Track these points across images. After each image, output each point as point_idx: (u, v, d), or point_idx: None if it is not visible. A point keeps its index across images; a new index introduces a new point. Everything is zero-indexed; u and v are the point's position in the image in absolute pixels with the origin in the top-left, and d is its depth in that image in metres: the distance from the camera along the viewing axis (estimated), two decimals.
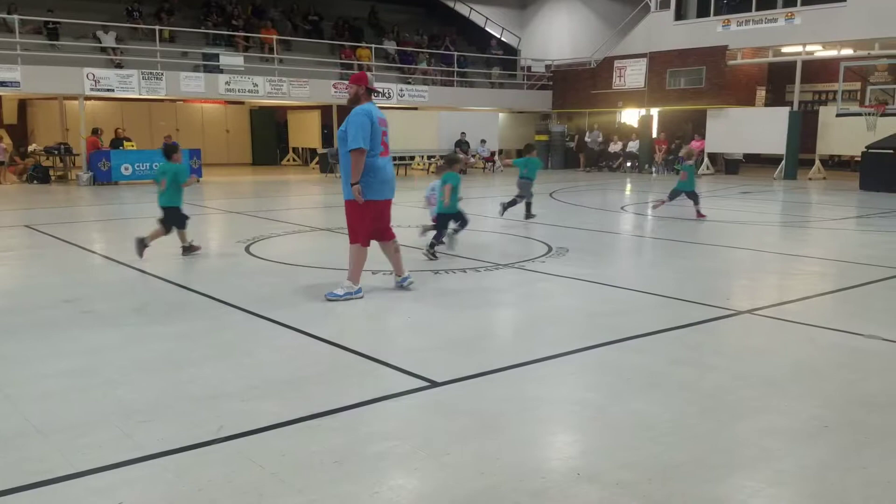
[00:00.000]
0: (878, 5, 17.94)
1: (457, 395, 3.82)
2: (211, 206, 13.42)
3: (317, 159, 22.98)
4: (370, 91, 5.91)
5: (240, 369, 4.22)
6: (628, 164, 23.93)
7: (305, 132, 25.58)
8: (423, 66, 24.63)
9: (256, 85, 19.95)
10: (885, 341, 4.77)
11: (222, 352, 4.58)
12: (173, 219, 7.55)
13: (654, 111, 23.99)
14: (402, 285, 6.30)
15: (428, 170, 23.75)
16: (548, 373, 4.20)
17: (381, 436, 3.28)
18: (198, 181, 6.73)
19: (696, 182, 11.38)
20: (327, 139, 23.75)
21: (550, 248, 8.42)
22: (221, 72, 19.79)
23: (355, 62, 22.90)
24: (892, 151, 16.25)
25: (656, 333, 4.96)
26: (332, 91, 21.00)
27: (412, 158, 23.88)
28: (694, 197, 11.18)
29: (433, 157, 23.32)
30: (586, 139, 25.11)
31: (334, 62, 22.75)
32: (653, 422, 3.50)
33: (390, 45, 24.89)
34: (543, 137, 25.40)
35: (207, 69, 19.72)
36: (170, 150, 7.59)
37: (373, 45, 23.16)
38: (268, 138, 26.81)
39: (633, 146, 23.90)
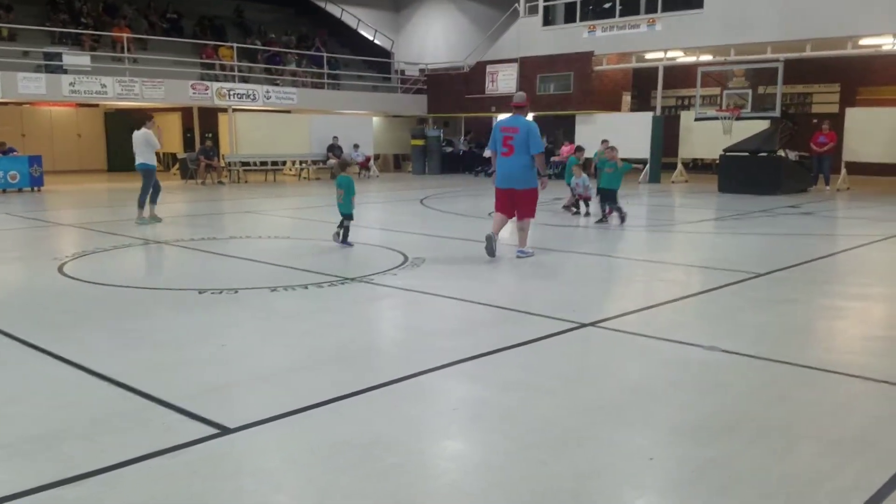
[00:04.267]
0: (732, 12, 18.73)
1: (246, 446, 3.27)
2: (44, 217, 12.18)
3: (178, 165, 21.68)
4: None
5: None
6: None
7: (165, 136, 24.04)
8: (292, 67, 23.76)
9: (105, 86, 18.53)
10: (723, 353, 4.61)
11: None
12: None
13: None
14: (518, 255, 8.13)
15: (299, 175, 22.90)
16: (363, 409, 3.72)
17: None
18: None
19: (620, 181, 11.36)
20: (189, 143, 22.48)
21: (406, 259, 8.00)
22: (65, 72, 18.25)
23: (217, 62, 21.77)
24: (747, 154, 16.93)
25: (495, 353, 4.60)
26: (191, 92, 19.81)
27: (283, 163, 22.99)
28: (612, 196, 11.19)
29: (305, 162, 22.53)
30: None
31: (193, 62, 21.52)
32: (464, 467, 3.09)
33: (256, 45, 23.87)
34: (420, 142, 25.08)
35: (49, 69, 18.13)
36: (343, 165, 9.54)
37: (235, 45, 22.08)
38: (125, 143, 24.92)
39: None
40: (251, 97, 20.99)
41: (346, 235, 8.97)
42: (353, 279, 6.88)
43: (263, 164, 22.13)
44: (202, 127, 22.28)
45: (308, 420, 3.55)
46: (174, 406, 3.68)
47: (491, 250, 8.06)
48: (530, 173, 8.01)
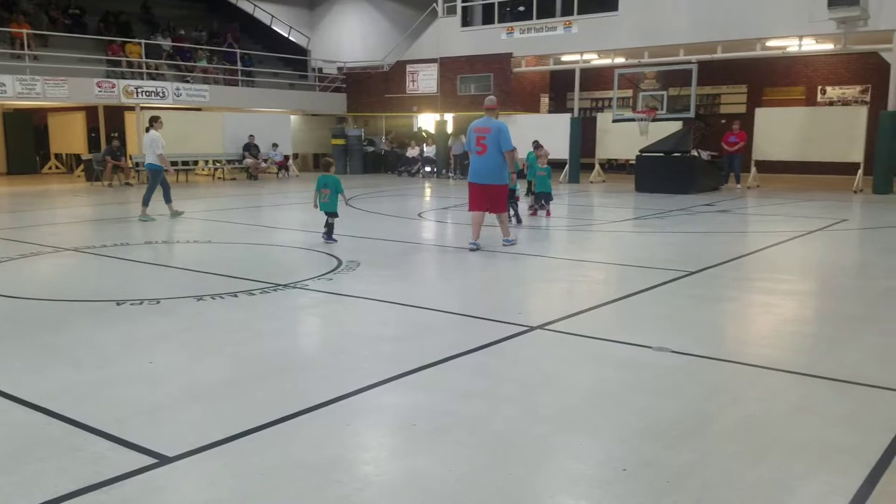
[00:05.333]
0: (646, 15, 19.18)
1: (190, 475, 2.98)
2: None
3: (82, 166, 20.53)
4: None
5: None
6: (426, 168, 23.88)
7: (69, 136, 22.80)
8: (203, 63, 22.88)
9: (4, 85, 17.33)
10: (673, 353, 4.58)
11: None
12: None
13: (449, 116, 24.10)
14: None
15: (213, 176, 22.10)
16: (315, 428, 3.48)
17: None
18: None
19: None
20: (94, 143, 21.32)
21: (340, 263, 7.73)
22: None
23: (124, 58, 20.74)
24: (662, 155, 17.37)
25: (447, 361, 4.43)
26: (96, 90, 18.76)
27: (195, 163, 22.11)
28: (547, 198, 12.14)
29: (219, 161, 21.74)
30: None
31: (99, 59, 20.42)
32: (436, 485, 2.90)
33: (164, 42, 22.88)
34: (340, 142, 24.61)
35: None
36: (327, 165, 9.81)
37: (143, 41, 21.08)
38: (25, 144, 23.55)
39: (429, 151, 23.92)
40: (160, 95, 20.08)
41: (330, 232, 9.14)
42: (285, 285, 6.56)
43: (174, 163, 21.20)
44: (108, 126, 21.19)
45: (255, 442, 3.27)
46: (103, 432, 3.34)
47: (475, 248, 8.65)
48: (502, 170, 8.63)
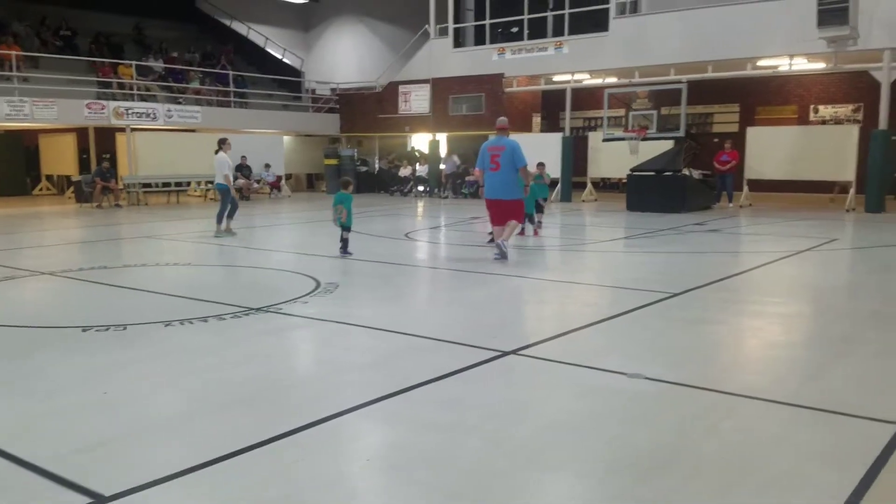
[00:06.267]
0: (636, 35, 19.19)
1: None
2: None
3: (72, 188, 20.42)
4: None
5: None
6: (419, 187, 23.81)
7: (60, 158, 22.71)
8: (196, 85, 22.87)
9: None
10: (648, 380, 4.42)
11: None
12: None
13: (441, 136, 24.06)
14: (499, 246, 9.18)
15: (205, 197, 21.97)
16: (270, 463, 3.31)
17: None
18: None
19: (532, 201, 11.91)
20: (85, 165, 21.23)
21: (318, 285, 7.58)
22: None
23: (115, 80, 20.71)
24: (653, 173, 17.28)
25: (412, 388, 4.27)
26: (86, 112, 18.71)
27: (187, 184, 22.01)
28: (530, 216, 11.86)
29: (211, 182, 21.60)
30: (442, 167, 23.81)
31: (90, 80, 20.40)
32: None
33: (156, 63, 22.89)
34: (333, 161, 24.53)
35: None
36: (346, 184, 10.18)
37: (134, 63, 21.06)
38: (15, 165, 23.45)
39: (421, 171, 23.86)
40: (151, 116, 20.03)
41: (345, 246, 9.60)
42: (258, 309, 6.40)
43: (166, 185, 21.14)
44: (99, 148, 21.12)
45: (200, 480, 3.11)
46: (40, 469, 3.18)
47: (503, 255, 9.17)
48: (515, 186, 9.15)
